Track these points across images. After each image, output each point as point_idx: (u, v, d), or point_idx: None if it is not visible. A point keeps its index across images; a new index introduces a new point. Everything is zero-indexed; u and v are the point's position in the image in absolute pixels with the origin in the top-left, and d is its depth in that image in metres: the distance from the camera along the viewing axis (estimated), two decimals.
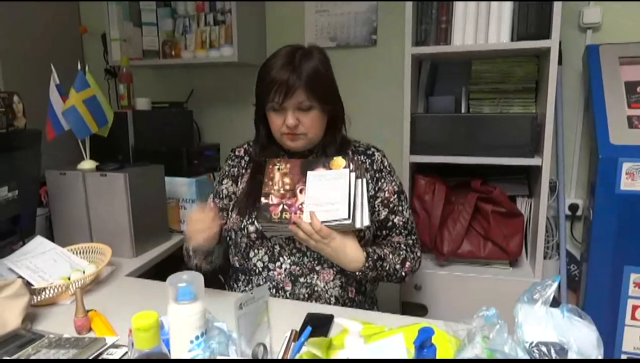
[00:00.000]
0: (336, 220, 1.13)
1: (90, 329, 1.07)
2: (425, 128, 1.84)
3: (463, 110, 2.01)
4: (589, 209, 1.73)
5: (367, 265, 1.18)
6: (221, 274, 1.39)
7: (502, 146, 1.75)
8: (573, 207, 2.02)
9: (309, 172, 1.20)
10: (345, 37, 2.19)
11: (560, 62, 1.68)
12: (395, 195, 1.32)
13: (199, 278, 0.83)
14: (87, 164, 1.70)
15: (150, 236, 1.71)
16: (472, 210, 1.84)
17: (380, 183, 1.31)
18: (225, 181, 1.34)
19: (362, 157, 1.33)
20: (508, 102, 1.92)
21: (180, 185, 1.94)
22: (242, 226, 1.25)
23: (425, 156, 1.85)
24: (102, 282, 1.39)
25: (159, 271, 1.61)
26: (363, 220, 1.16)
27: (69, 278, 1.30)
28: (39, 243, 1.45)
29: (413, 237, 1.33)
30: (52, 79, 1.66)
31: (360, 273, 1.18)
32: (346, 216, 1.12)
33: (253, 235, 1.24)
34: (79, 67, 1.67)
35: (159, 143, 2.08)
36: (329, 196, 1.16)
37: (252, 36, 2.26)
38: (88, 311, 1.09)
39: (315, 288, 1.22)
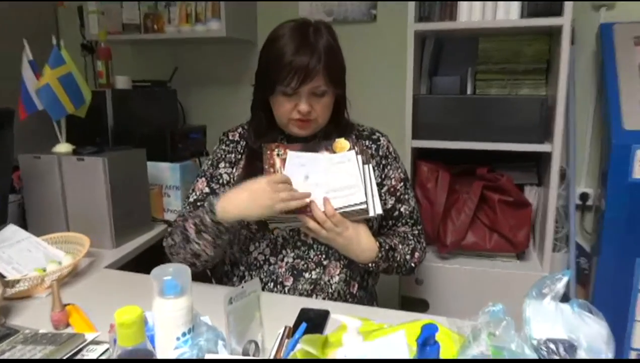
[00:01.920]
0: (351, 206, 1.13)
1: (67, 324, 1.06)
2: (428, 110, 1.83)
3: (469, 92, 2.01)
4: (600, 199, 1.73)
5: (380, 255, 1.19)
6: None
7: (510, 131, 1.75)
8: (584, 197, 2.04)
9: (311, 154, 1.20)
10: (342, 12, 2.18)
11: (572, 42, 1.76)
12: (402, 183, 1.33)
13: (186, 271, 0.82)
14: (63, 147, 1.69)
15: (131, 225, 1.70)
16: (478, 199, 1.84)
17: (386, 170, 1.32)
18: (222, 165, 1.32)
19: (367, 142, 1.33)
20: (517, 84, 1.92)
21: (164, 171, 1.93)
22: (245, 223, 1.23)
23: (428, 141, 1.85)
24: (79, 274, 1.38)
25: (140, 263, 1.60)
26: (375, 207, 1.16)
27: (44, 270, 1.29)
28: (11, 232, 1.43)
29: (419, 227, 1.34)
30: (24, 55, 1.64)
31: (373, 264, 1.19)
32: (361, 200, 1.13)
33: (254, 227, 1.23)
34: (54, 42, 1.65)
35: (140, 125, 2.06)
36: (337, 180, 1.16)
37: (242, 9, 2.22)
38: (65, 305, 1.09)
39: (319, 283, 1.22)
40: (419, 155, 1.97)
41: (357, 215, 1.16)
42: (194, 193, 1.29)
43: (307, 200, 1.14)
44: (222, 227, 1.14)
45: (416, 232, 1.33)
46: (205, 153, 2.16)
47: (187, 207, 1.28)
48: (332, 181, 1.17)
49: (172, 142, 1.99)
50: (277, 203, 1.09)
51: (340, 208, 1.13)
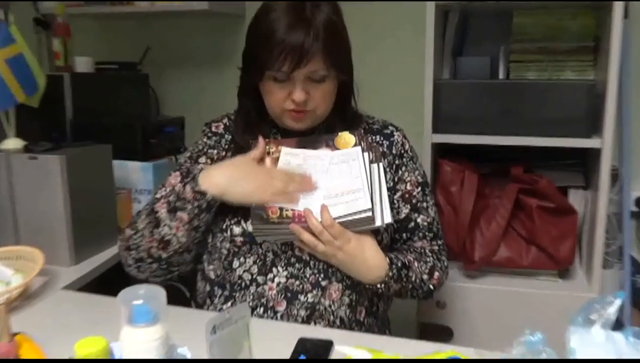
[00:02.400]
0: (352, 214, 1.14)
1: (17, 357, 1.02)
2: (452, 99, 1.84)
3: (501, 76, 2.00)
4: None
5: (391, 274, 1.20)
6: (184, 286, 1.44)
7: (551, 123, 1.75)
8: None
9: (309, 151, 1.22)
10: None
11: (626, 15, 1.68)
12: (419, 188, 1.34)
13: (160, 293, 0.82)
14: (12, 143, 1.68)
15: (94, 238, 1.69)
16: (512, 205, 1.83)
17: (400, 171, 1.33)
18: (202, 160, 1.33)
19: (377, 138, 1.35)
20: (559, 66, 1.92)
21: (134, 172, 1.94)
22: (225, 227, 1.25)
23: (451, 135, 1.85)
24: (32, 296, 1.38)
25: (105, 283, 1.60)
26: (384, 215, 1.17)
27: None
28: None
29: (439, 242, 1.36)
30: None
31: (382, 285, 1.20)
32: (366, 207, 1.14)
33: (239, 240, 1.24)
34: (1, 16, 1.67)
35: (105, 116, 2.06)
36: (338, 183, 1.18)
37: None
38: (14, 335, 1.07)
39: (318, 308, 1.22)
40: (441, 152, 1.96)
41: (361, 226, 1.16)
42: (163, 189, 1.30)
43: (301, 208, 1.15)
44: (204, 200, 1.16)
45: (436, 247, 1.34)
46: (184, 149, 2.15)
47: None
48: (332, 184, 1.18)
49: (144, 137, 1.99)
50: (270, 190, 1.13)
51: (341, 216, 1.14)
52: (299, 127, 1.26)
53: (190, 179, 1.19)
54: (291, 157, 1.22)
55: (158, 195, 1.28)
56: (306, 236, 1.14)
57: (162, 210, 1.20)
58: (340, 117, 1.31)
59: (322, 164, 1.22)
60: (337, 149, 1.24)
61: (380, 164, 1.24)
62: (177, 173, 1.32)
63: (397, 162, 1.33)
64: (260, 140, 1.24)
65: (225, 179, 1.17)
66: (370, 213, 1.14)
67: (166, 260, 1.23)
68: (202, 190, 1.16)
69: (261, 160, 1.23)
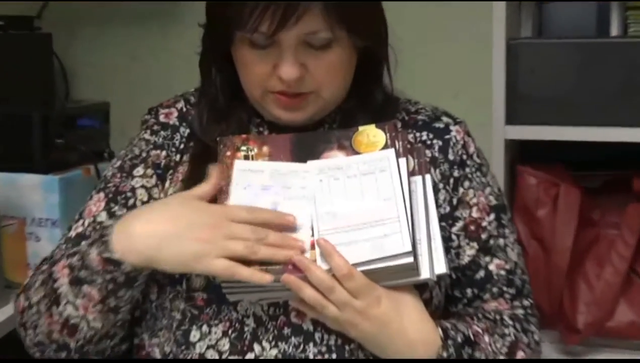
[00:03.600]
0: (382, 259, 1.10)
1: None
2: (536, 68, 1.78)
3: (614, 32, 1.93)
4: None
5: (445, 355, 1.17)
6: None
7: None
8: None
9: (310, 162, 1.20)
10: None
11: None
12: (493, 215, 1.31)
13: None
14: None
15: None
16: (638, 238, 1.73)
17: (462, 189, 1.32)
18: (138, 171, 1.32)
19: (424, 135, 1.33)
20: None
21: (28, 190, 1.85)
22: (177, 276, 1.23)
23: (536, 128, 1.80)
24: None
25: None
26: (434, 262, 1.14)
27: None
28: None
29: (525, 302, 1.32)
30: None
31: None
32: (405, 248, 1.09)
33: (200, 297, 1.21)
34: None
35: None
36: (358, 208, 1.16)
37: None
38: None
39: None
40: (521, 154, 1.95)
41: (397, 277, 1.13)
42: (80, 222, 1.30)
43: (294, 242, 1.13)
44: (119, 272, 1.13)
45: (520, 310, 1.31)
46: (108, 154, 2.07)
47: (65, 246, 1.29)
48: (347, 209, 1.16)
49: (45, 135, 1.91)
50: (232, 243, 1.08)
51: (364, 262, 1.10)
52: (293, 119, 1.25)
53: (97, 237, 1.16)
54: (251, 175, 1.20)
55: (72, 233, 1.29)
56: (309, 293, 1.08)
57: (63, 280, 1.18)
58: (363, 103, 1.31)
59: (328, 178, 1.19)
60: (357, 152, 1.20)
61: (428, 178, 1.19)
62: (101, 195, 1.31)
63: (455, 173, 1.31)
64: (214, 171, 1.20)
65: (152, 238, 1.13)
66: (411, 259, 1.09)
67: (77, 349, 1.21)
68: (116, 258, 1.11)
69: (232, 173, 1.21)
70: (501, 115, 1.79)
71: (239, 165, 1.21)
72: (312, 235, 1.15)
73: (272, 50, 1.19)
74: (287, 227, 1.15)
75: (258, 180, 1.21)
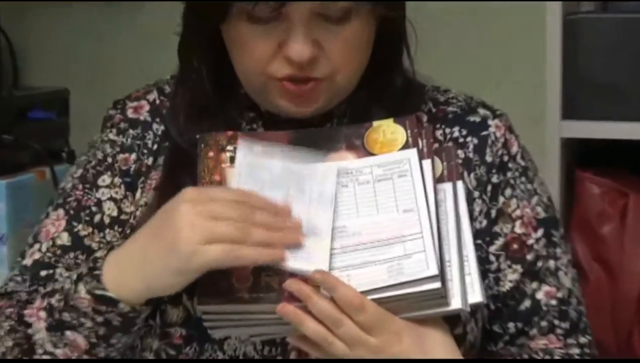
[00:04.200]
0: (403, 285, 1.08)
1: None
2: (600, 51, 1.81)
3: None
4: None
5: None
6: None
7: None
8: None
9: (313, 166, 1.19)
10: None
11: None
12: (541, 231, 1.27)
13: None
14: None
15: None
16: None
17: (502, 199, 1.29)
18: (104, 180, 1.31)
19: (455, 131, 1.30)
20: None
21: None
22: (152, 308, 1.19)
23: (599, 123, 1.81)
24: None
25: None
26: (467, 289, 1.12)
27: None
28: None
29: (582, 339, 1.27)
30: None
31: None
32: (430, 272, 1.07)
33: (178, 333, 1.20)
34: None
35: None
36: (371, 222, 1.14)
37: None
38: None
39: None
40: (580, 156, 1.95)
41: (421, 308, 1.10)
42: (36, 246, 1.27)
43: (296, 266, 1.11)
44: (115, 312, 1.12)
45: (576, 350, 1.26)
46: (68, 155, 2.08)
47: (21, 277, 1.27)
48: (358, 222, 1.15)
49: None
50: (217, 224, 1.07)
51: (380, 289, 1.07)
52: (301, 112, 1.22)
53: (86, 271, 1.15)
54: (255, 158, 1.20)
55: (27, 261, 1.28)
56: (312, 327, 1.06)
57: (39, 325, 1.16)
58: (379, 92, 1.29)
59: (330, 184, 1.17)
60: (370, 153, 1.18)
61: (460, 185, 1.17)
62: (60, 211, 1.30)
63: (494, 179, 1.28)
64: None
65: (136, 261, 1.13)
66: (438, 284, 1.06)
67: None
68: (111, 296, 1.11)
69: (216, 178, 1.20)
70: (556, 108, 1.79)
71: (242, 144, 1.18)
72: None
73: (277, 25, 1.14)
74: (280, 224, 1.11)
75: (266, 175, 1.18)
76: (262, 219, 1.09)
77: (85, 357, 1.15)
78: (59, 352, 1.15)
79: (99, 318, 1.11)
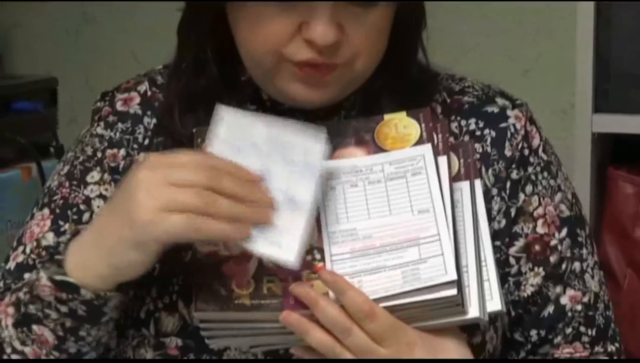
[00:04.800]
0: (417, 292, 1.09)
1: None
2: (635, 40, 1.81)
3: None
4: None
5: None
6: None
7: None
8: None
9: (300, 134, 1.18)
10: None
11: None
12: (565, 230, 1.26)
13: None
14: None
15: None
16: None
17: (523, 196, 1.28)
18: (93, 176, 1.30)
19: (471, 124, 1.29)
20: None
21: None
22: (143, 316, 1.21)
23: (633, 117, 1.81)
24: None
25: None
26: (485, 296, 1.12)
27: None
28: None
29: (611, 348, 1.27)
30: None
31: None
32: (448, 277, 1.08)
33: (173, 343, 1.19)
34: None
35: None
36: (383, 224, 1.14)
37: None
38: None
39: None
40: (613, 152, 1.95)
41: (437, 317, 1.10)
42: (20, 249, 1.27)
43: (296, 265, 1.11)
44: (78, 300, 1.11)
45: (604, 358, 1.27)
46: (56, 150, 2.08)
47: (2, 282, 1.27)
48: (368, 224, 1.15)
49: None
50: (179, 192, 1.06)
51: (392, 296, 1.08)
52: (312, 98, 1.20)
53: (48, 258, 1.19)
54: (236, 121, 1.19)
55: (11, 264, 1.29)
56: (318, 337, 1.06)
57: (6, 322, 1.17)
58: (391, 82, 1.27)
59: (343, 184, 1.18)
60: (382, 149, 1.18)
61: (478, 183, 1.17)
62: (45, 211, 1.30)
63: (514, 175, 1.27)
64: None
65: (98, 240, 1.11)
66: (454, 291, 1.06)
67: None
68: (72, 281, 1.10)
69: None
70: (588, 100, 1.78)
71: (222, 111, 1.14)
72: (322, 259, 1.10)
73: (297, 3, 1.11)
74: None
75: (248, 137, 1.16)
76: (230, 187, 1.05)
77: (55, 353, 1.14)
78: (28, 350, 1.14)
79: (63, 308, 1.09)
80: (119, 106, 1.32)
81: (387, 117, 1.18)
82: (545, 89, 1.81)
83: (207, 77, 1.26)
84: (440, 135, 1.16)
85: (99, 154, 1.29)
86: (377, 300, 1.05)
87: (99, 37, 2.49)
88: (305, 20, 1.11)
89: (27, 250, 1.25)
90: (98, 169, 1.28)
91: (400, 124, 1.17)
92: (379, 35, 1.17)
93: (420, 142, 1.15)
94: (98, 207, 1.28)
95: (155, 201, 1.02)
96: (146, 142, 1.30)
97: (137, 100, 1.32)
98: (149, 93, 1.33)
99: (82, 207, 1.26)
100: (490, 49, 2.14)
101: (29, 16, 2.58)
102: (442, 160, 1.13)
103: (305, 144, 1.15)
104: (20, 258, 1.25)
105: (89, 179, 1.27)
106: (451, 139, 1.20)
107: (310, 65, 1.14)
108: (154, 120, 1.30)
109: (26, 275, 1.23)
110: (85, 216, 1.26)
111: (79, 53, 2.48)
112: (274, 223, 1.08)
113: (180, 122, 1.25)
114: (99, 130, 1.31)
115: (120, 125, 1.31)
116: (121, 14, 2.43)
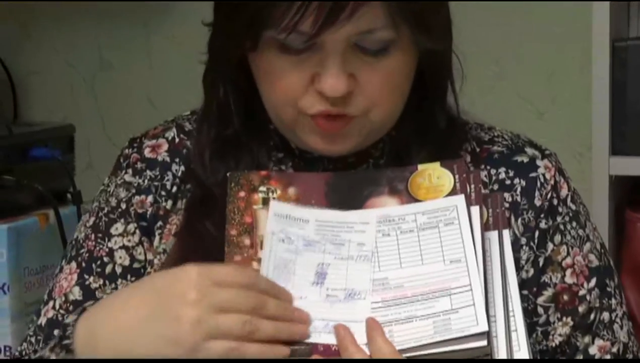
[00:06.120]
0: (448, 343, 1.09)
1: None
2: None
3: None
4: None
5: None
6: None
7: None
8: None
9: (353, 212, 1.19)
10: None
11: None
12: (594, 280, 1.27)
13: None
14: None
15: None
16: None
17: (552, 245, 1.28)
18: (117, 228, 1.31)
19: (501, 173, 1.30)
20: None
21: None
22: None
23: None
24: None
25: None
26: (512, 347, 1.12)
27: None
28: None
29: None
30: None
31: None
32: (480, 329, 1.08)
33: None
34: None
35: None
36: (415, 273, 1.15)
37: None
38: None
39: None
40: (631, 195, 1.97)
41: None
42: (50, 304, 1.28)
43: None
44: None
45: None
46: (73, 196, 2.06)
47: (35, 337, 1.28)
48: (401, 275, 1.15)
49: None
50: (224, 318, 1.05)
51: (424, 345, 1.08)
52: (332, 150, 1.23)
53: (57, 341, 1.19)
54: (291, 224, 1.21)
55: (42, 320, 1.30)
56: None
57: None
58: (420, 130, 1.30)
59: (371, 233, 1.18)
60: (415, 199, 1.19)
61: (506, 233, 1.18)
62: (73, 265, 1.31)
63: (543, 224, 1.28)
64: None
65: (118, 334, 1.10)
66: (484, 342, 1.07)
67: None
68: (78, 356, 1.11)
69: (246, 221, 1.21)
70: (605, 142, 1.79)
71: (277, 207, 1.17)
72: None
73: (310, 56, 1.13)
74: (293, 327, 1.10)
75: (300, 231, 1.17)
76: (273, 311, 1.08)
77: None
78: None
79: None
80: (147, 153, 1.35)
81: (420, 167, 1.21)
82: (561, 132, 1.80)
83: (233, 126, 1.29)
84: (472, 186, 1.19)
85: (124, 205, 1.31)
86: (408, 350, 1.07)
87: (115, 83, 2.48)
88: (317, 72, 1.14)
89: (57, 305, 1.28)
90: (122, 220, 1.30)
91: (434, 175, 1.20)
92: (395, 85, 1.19)
93: (453, 192, 1.18)
94: (120, 257, 1.30)
95: (203, 331, 1.04)
96: (174, 189, 1.33)
97: (165, 146, 1.35)
98: (176, 140, 1.36)
99: (105, 259, 1.29)
100: (505, 92, 2.14)
101: (45, 63, 2.58)
102: (475, 210, 1.16)
103: (358, 226, 1.20)
104: (51, 314, 1.27)
105: (112, 230, 1.30)
106: (485, 190, 1.23)
107: (325, 117, 1.17)
108: (182, 168, 1.33)
109: (56, 332, 1.25)
110: (108, 268, 1.29)
111: (95, 99, 2.50)
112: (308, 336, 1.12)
113: (210, 168, 1.28)
114: (127, 177, 1.33)
115: (148, 172, 1.33)
116: (137, 60, 2.42)
